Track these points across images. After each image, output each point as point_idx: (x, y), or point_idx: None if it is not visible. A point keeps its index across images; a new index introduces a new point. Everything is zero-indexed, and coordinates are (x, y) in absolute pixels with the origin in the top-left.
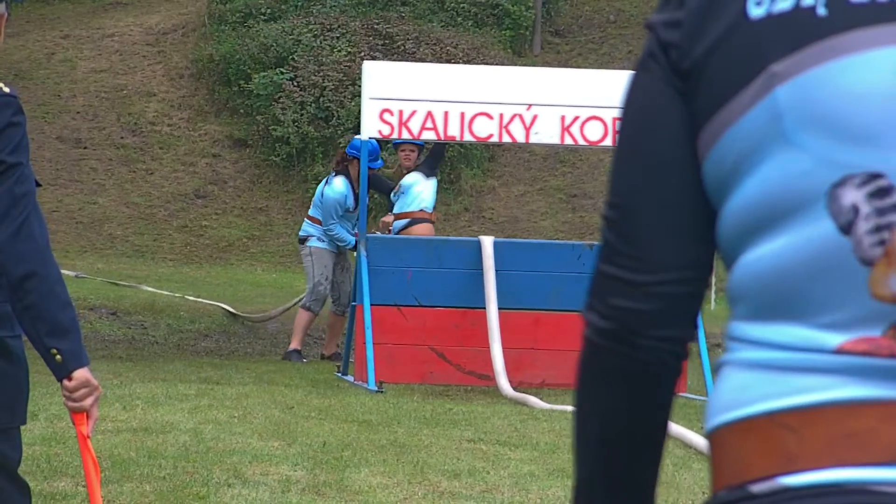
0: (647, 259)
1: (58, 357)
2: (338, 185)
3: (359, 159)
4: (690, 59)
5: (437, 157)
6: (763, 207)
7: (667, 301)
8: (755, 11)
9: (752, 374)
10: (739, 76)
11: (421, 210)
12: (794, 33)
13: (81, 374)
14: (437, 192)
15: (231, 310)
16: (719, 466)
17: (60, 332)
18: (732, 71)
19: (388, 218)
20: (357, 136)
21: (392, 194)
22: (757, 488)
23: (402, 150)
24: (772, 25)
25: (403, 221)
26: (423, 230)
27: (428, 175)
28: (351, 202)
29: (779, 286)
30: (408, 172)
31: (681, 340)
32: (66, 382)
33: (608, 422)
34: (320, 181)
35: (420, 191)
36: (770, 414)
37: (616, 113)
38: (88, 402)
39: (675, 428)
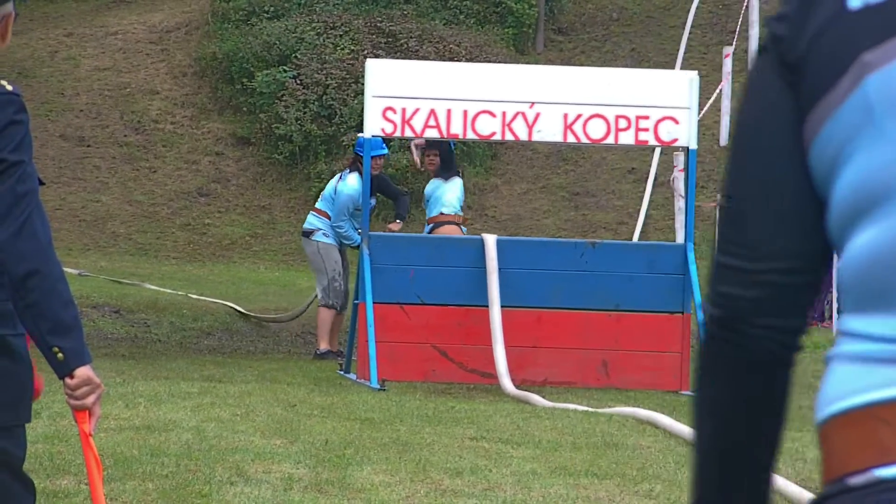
0: (753, 247)
1: (60, 355)
2: (352, 182)
3: (372, 157)
4: (796, 51)
5: (446, 157)
6: (858, 198)
7: (772, 289)
8: (854, 2)
9: (852, 367)
10: (835, 67)
11: (441, 213)
12: (888, 22)
13: (83, 371)
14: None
15: (243, 310)
16: (825, 460)
17: (62, 330)
18: (829, 62)
19: (395, 226)
20: (360, 135)
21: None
22: (853, 481)
23: (427, 156)
24: (868, 15)
25: (428, 227)
26: (444, 232)
27: (446, 178)
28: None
29: (873, 277)
30: (434, 177)
31: (790, 331)
32: (68, 380)
33: (720, 410)
34: (323, 179)
35: (440, 195)
36: (866, 406)
37: (617, 111)
38: (90, 400)
39: (678, 426)
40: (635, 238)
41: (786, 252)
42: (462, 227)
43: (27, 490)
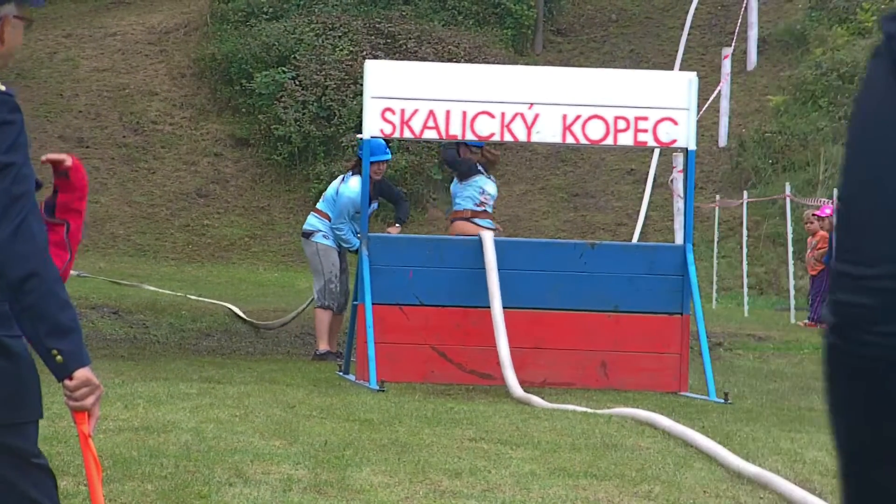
0: (867, 252)
1: (58, 357)
2: (354, 185)
3: (374, 161)
4: None
5: (450, 159)
6: None
7: (889, 296)
8: None
9: None
10: None
11: (453, 211)
12: None
13: (82, 373)
14: (441, 191)
15: (243, 315)
16: None
17: (61, 332)
18: None
19: (393, 229)
20: (359, 136)
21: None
22: None
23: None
24: None
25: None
26: (453, 229)
27: (460, 179)
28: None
29: None
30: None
31: None
32: (67, 382)
33: (846, 418)
34: (322, 180)
35: (454, 194)
36: None
37: (616, 112)
38: (90, 401)
39: (675, 427)
40: (635, 239)
41: None
42: (476, 220)
43: (45, 475)
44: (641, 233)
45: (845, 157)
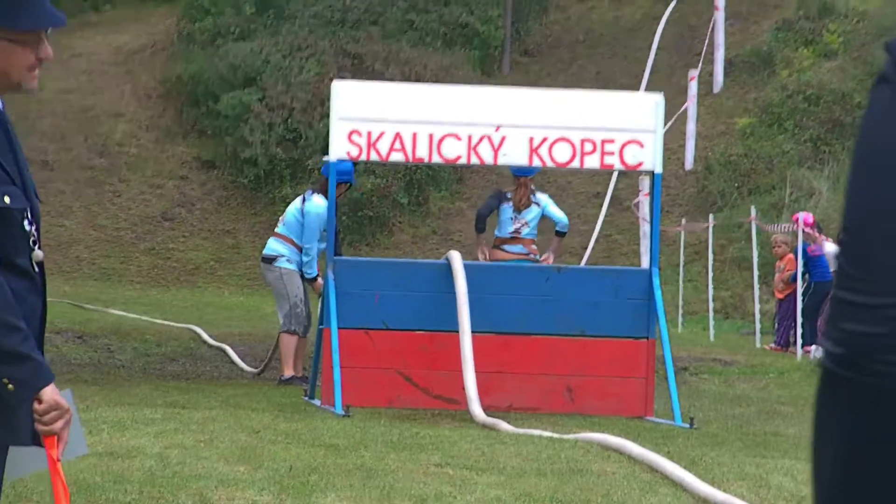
0: (877, 281)
1: (9, 386)
2: (319, 202)
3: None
4: None
5: (478, 217)
6: None
7: None
8: None
9: None
10: None
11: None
12: None
13: (51, 396)
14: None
15: (238, 360)
16: None
17: (8, 359)
18: None
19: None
20: (326, 158)
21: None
22: None
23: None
24: None
25: None
26: (491, 255)
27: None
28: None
29: None
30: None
31: None
32: (35, 405)
33: (844, 450)
34: (288, 203)
35: None
36: None
37: (583, 134)
38: (58, 425)
39: (641, 452)
40: (584, 259)
41: None
42: (506, 247)
43: None
44: (607, 256)
45: (849, 184)
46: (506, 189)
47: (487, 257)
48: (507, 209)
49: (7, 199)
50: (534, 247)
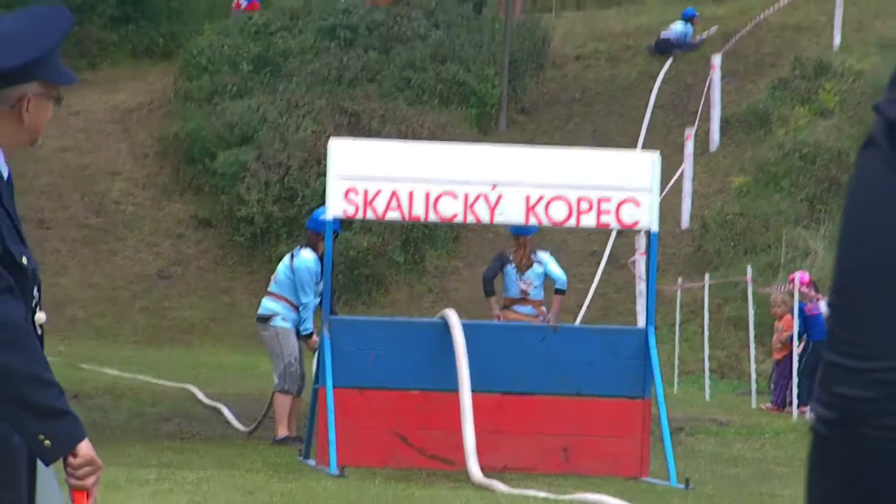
0: (868, 345)
1: (46, 442)
2: (307, 256)
3: (323, 233)
4: None
5: (484, 282)
6: None
7: (891, 389)
8: None
9: None
10: None
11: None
12: None
13: (86, 451)
14: (403, 273)
15: (232, 419)
16: None
17: (44, 415)
18: None
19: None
20: (317, 210)
21: None
22: None
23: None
24: None
25: None
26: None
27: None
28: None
29: None
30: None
31: None
32: (71, 459)
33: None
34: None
35: None
36: None
37: (579, 193)
38: (90, 480)
39: None
40: (579, 320)
41: None
42: (515, 307)
43: None
44: (604, 314)
45: (839, 247)
46: (508, 251)
47: (502, 318)
48: (511, 271)
49: (24, 260)
50: (543, 308)
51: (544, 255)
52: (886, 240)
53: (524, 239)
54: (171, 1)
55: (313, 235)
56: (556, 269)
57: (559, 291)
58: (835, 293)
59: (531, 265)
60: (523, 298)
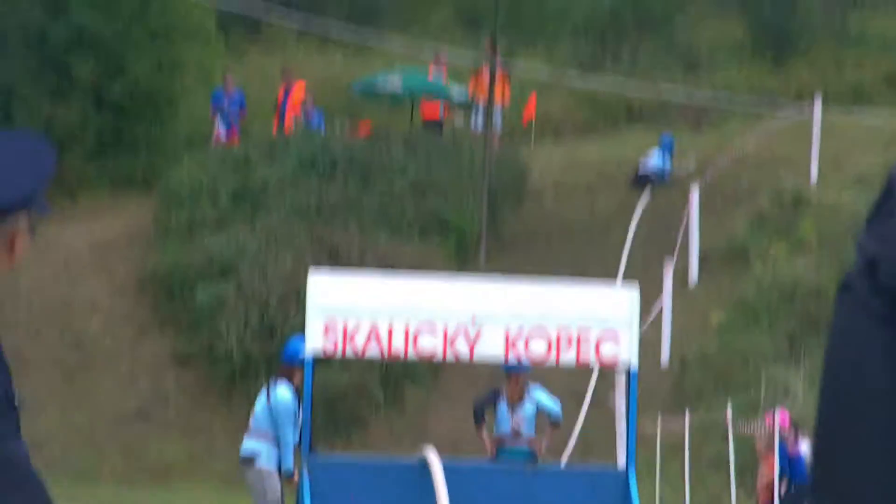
0: (850, 495)
1: None
2: (284, 393)
3: (299, 367)
4: None
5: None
6: None
7: None
8: None
9: None
10: None
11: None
12: None
13: None
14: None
15: None
16: None
17: None
18: None
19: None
20: (291, 341)
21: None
22: None
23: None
24: None
25: None
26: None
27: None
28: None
29: None
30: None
31: None
32: None
33: None
34: None
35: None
36: None
37: (559, 329)
38: None
39: None
40: (564, 459)
41: (885, 499)
42: (508, 446)
43: None
44: (583, 454)
45: (821, 391)
46: (501, 387)
47: (492, 452)
48: (502, 406)
49: (16, 401)
50: (541, 444)
51: (537, 392)
52: (861, 387)
53: (517, 377)
54: (150, 133)
55: (287, 368)
56: (549, 403)
57: (554, 424)
58: (817, 437)
59: (523, 402)
60: (515, 436)
